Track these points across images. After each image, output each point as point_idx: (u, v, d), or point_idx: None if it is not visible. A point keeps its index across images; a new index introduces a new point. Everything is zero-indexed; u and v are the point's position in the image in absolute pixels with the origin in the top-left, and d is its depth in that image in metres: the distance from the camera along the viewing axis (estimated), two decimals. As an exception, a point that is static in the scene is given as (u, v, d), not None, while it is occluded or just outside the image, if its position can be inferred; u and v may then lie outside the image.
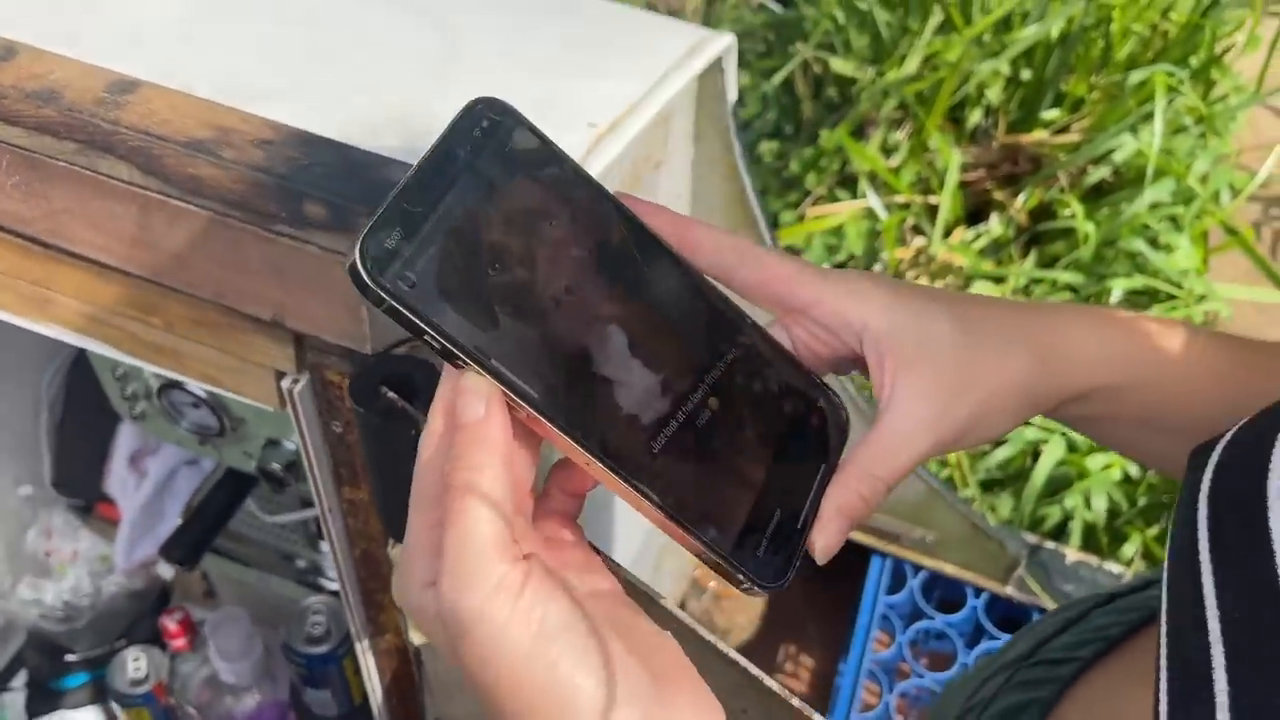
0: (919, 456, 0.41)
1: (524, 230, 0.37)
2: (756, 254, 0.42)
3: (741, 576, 0.39)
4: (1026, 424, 1.53)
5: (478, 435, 0.34)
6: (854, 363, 0.44)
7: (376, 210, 0.35)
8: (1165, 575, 0.34)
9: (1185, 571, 0.32)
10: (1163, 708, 0.30)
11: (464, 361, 0.35)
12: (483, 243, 0.36)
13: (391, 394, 0.52)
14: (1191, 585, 0.31)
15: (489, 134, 0.37)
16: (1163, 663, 0.31)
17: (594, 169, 0.68)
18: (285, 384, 0.58)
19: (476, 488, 0.34)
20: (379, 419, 0.53)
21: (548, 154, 0.39)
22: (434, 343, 0.35)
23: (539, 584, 0.34)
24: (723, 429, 0.40)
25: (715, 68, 0.87)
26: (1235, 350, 0.46)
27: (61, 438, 1.29)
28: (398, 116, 0.67)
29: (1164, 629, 0.32)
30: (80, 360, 1.26)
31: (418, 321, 0.34)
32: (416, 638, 0.68)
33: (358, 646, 0.75)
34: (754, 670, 0.49)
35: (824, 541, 0.40)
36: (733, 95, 0.91)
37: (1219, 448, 0.34)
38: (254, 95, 0.65)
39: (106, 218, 0.54)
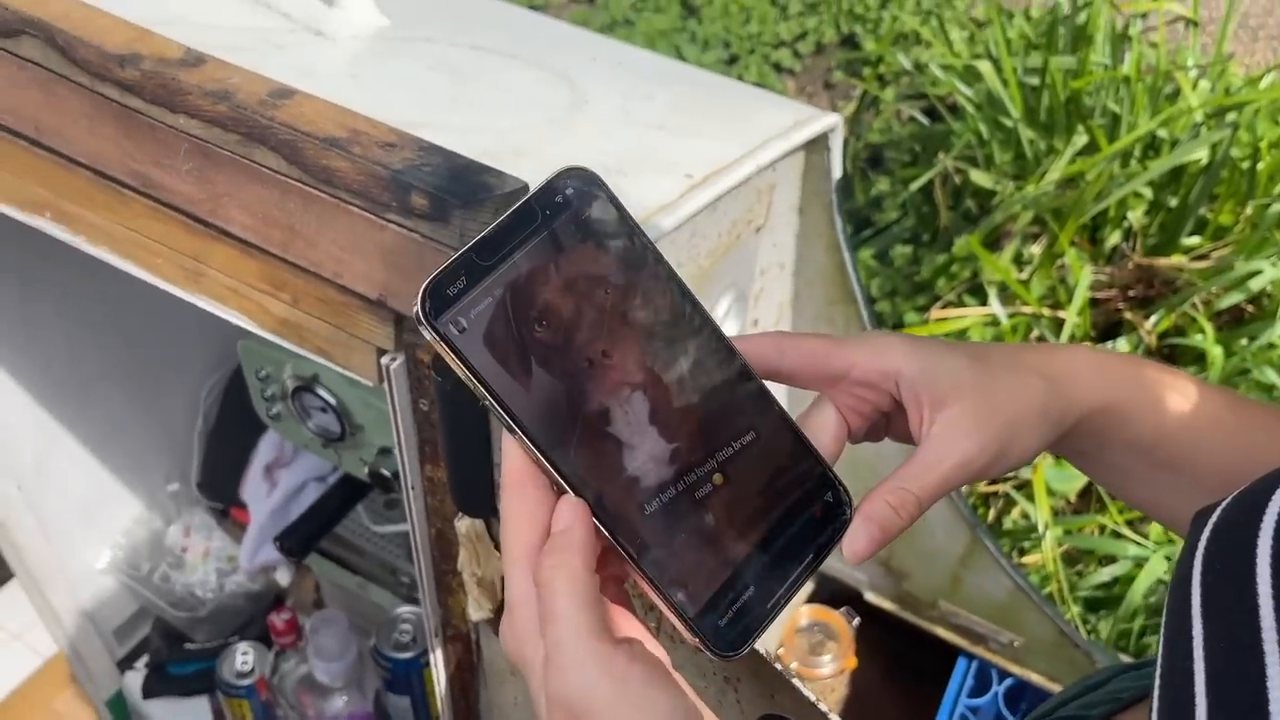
0: (948, 474, 0.45)
1: (577, 294, 0.40)
2: (791, 339, 0.47)
3: (698, 641, 0.41)
4: (1132, 542, 1.50)
5: (568, 536, 0.39)
6: (889, 420, 0.49)
7: (450, 257, 0.38)
8: (1162, 630, 0.36)
9: (1179, 626, 0.35)
10: None
11: (490, 404, 0.38)
12: (535, 302, 0.39)
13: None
14: (1183, 639, 0.34)
15: (570, 201, 0.40)
16: (1154, 712, 0.34)
17: (682, 214, 0.75)
18: (385, 360, 0.66)
19: (571, 576, 0.38)
20: (453, 388, 0.61)
21: (622, 226, 0.41)
22: (470, 383, 0.38)
23: (643, 669, 0.38)
24: (721, 506, 0.42)
25: (821, 144, 0.94)
26: (1238, 401, 0.50)
27: (210, 444, 1.42)
28: (513, 151, 0.76)
29: (1158, 681, 0.35)
30: (236, 375, 1.40)
31: (458, 363, 0.38)
32: (476, 614, 0.74)
33: (427, 627, 0.81)
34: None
35: (854, 546, 0.44)
36: (837, 172, 0.97)
37: (1218, 510, 0.37)
38: (397, 125, 0.76)
39: (255, 200, 0.64)
